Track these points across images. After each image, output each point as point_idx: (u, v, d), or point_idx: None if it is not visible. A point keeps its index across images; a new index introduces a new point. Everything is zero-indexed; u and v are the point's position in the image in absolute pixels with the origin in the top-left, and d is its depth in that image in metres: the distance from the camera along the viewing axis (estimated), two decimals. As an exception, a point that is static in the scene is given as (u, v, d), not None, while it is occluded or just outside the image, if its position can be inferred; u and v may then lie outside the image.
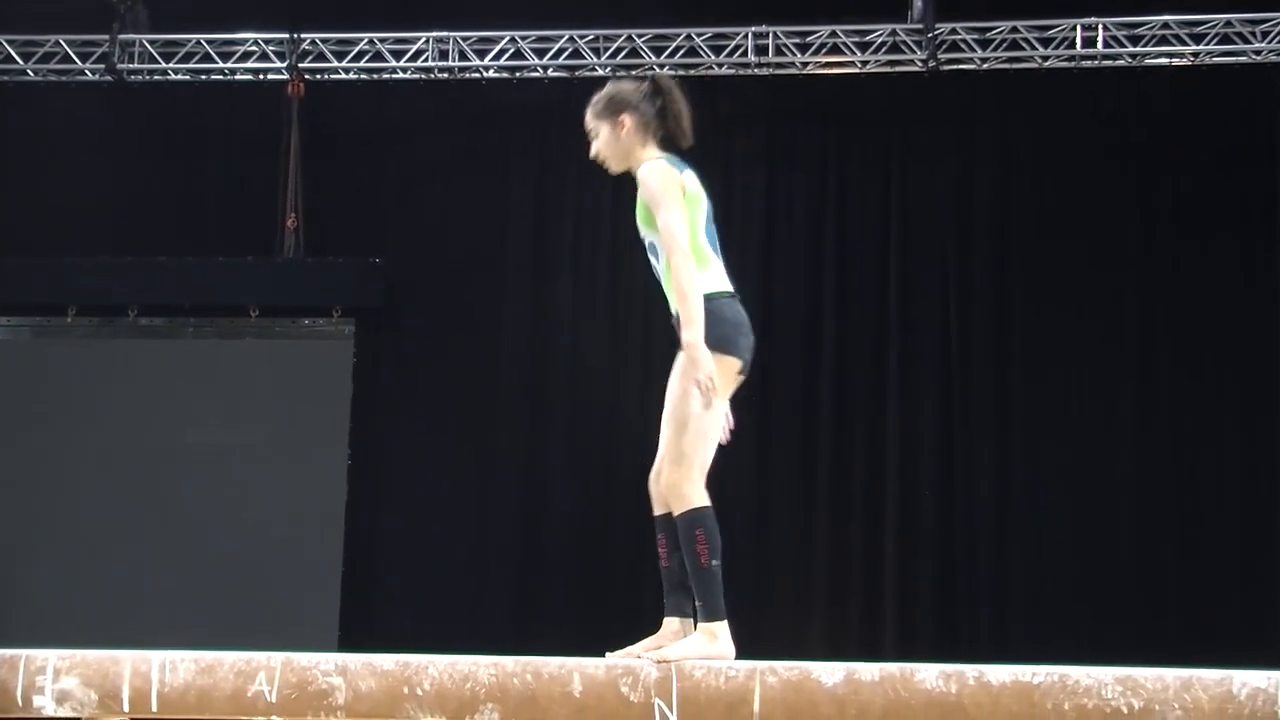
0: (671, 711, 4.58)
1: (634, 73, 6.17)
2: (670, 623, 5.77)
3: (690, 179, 6.10)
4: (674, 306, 5.96)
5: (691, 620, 5.70)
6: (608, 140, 6.17)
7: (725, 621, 5.67)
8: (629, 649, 5.50)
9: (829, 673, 4.55)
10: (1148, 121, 13.96)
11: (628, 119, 6.12)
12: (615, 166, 6.20)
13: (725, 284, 6.04)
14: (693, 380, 5.76)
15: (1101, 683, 4.41)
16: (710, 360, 5.77)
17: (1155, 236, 13.95)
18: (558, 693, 4.62)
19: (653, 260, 6.09)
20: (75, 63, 14.41)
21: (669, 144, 6.22)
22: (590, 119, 6.26)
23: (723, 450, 13.31)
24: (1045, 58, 13.73)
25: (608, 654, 5.29)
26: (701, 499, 5.85)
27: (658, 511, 6.02)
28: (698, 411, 5.85)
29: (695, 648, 5.49)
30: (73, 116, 14.40)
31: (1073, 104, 13.95)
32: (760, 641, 11.40)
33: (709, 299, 5.89)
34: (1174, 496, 13.58)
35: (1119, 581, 13.39)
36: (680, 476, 5.86)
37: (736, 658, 5.30)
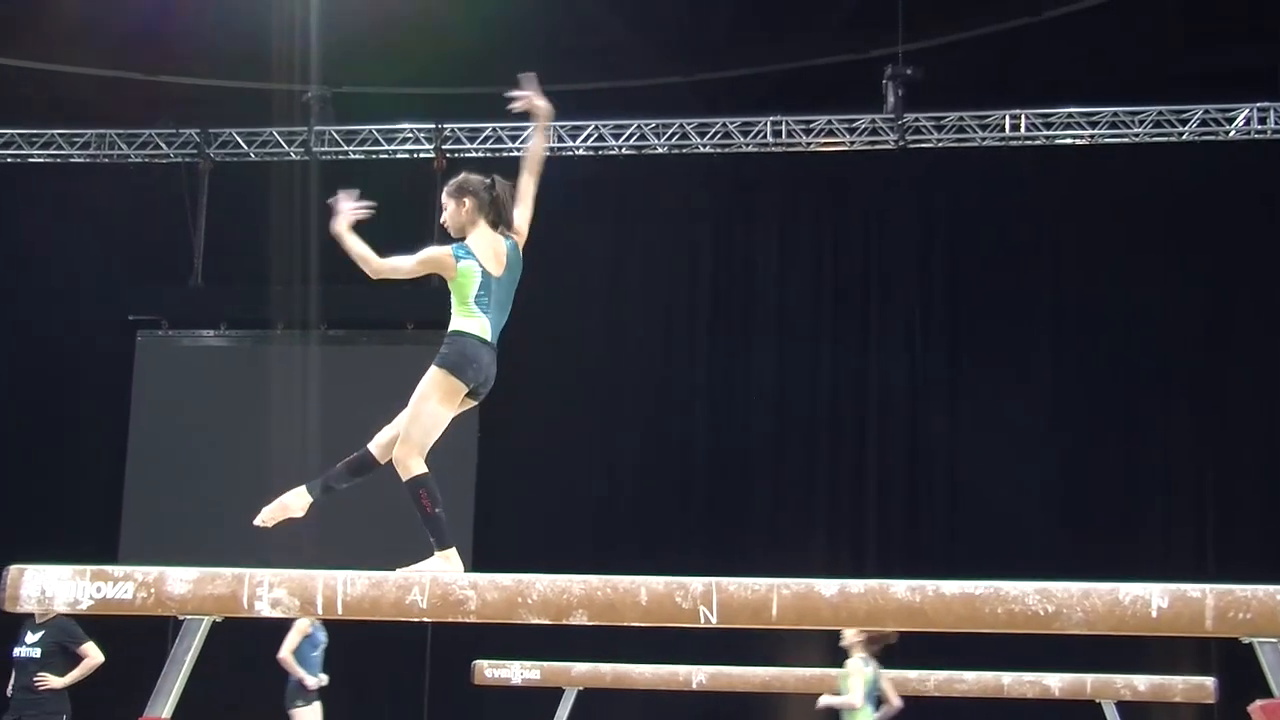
0: (712, 614, 4.56)
1: (479, 174, 6.07)
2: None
3: (465, 265, 5.86)
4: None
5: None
6: (453, 213, 6.01)
7: (453, 548, 5.76)
8: (411, 566, 5.55)
9: (827, 587, 4.53)
10: (1058, 186, 13.93)
11: (468, 201, 6.01)
12: (454, 234, 6.01)
13: (483, 333, 5.88)
14: (421, 386, 5.80)
15: (1025, 593, 4.38)
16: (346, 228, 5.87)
17: (1063, 271, 13.94)
18: (630, 601, 4.61)
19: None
20: (283, 146, 14.50)
21: (496, 225, 6.03)
22: (444, 196, 6.08)
23: (749, 430, 13.40)
24: (983, 139, 13.71)
25: (397, 569, 5.29)
26: (419, 468, 5.80)
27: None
28: (428, 411, 5.81)
29: (435, 565, 5.66)
30: (280, 185, 14.48)
31: (1003, 173, 13.94)
32: (775, 566, 11.45)
33: (460, 334, 5.85)
34: (1086, 463, 13.59)
35: (1041, 522, 13.40)
36: (403, 453, 5.81)
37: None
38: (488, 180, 6.10)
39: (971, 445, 13.71)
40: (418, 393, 5.80)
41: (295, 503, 5.90)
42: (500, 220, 6.05)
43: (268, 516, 5.89)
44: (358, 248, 5.88)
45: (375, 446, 6.02)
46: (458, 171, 12.42)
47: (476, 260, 5.90)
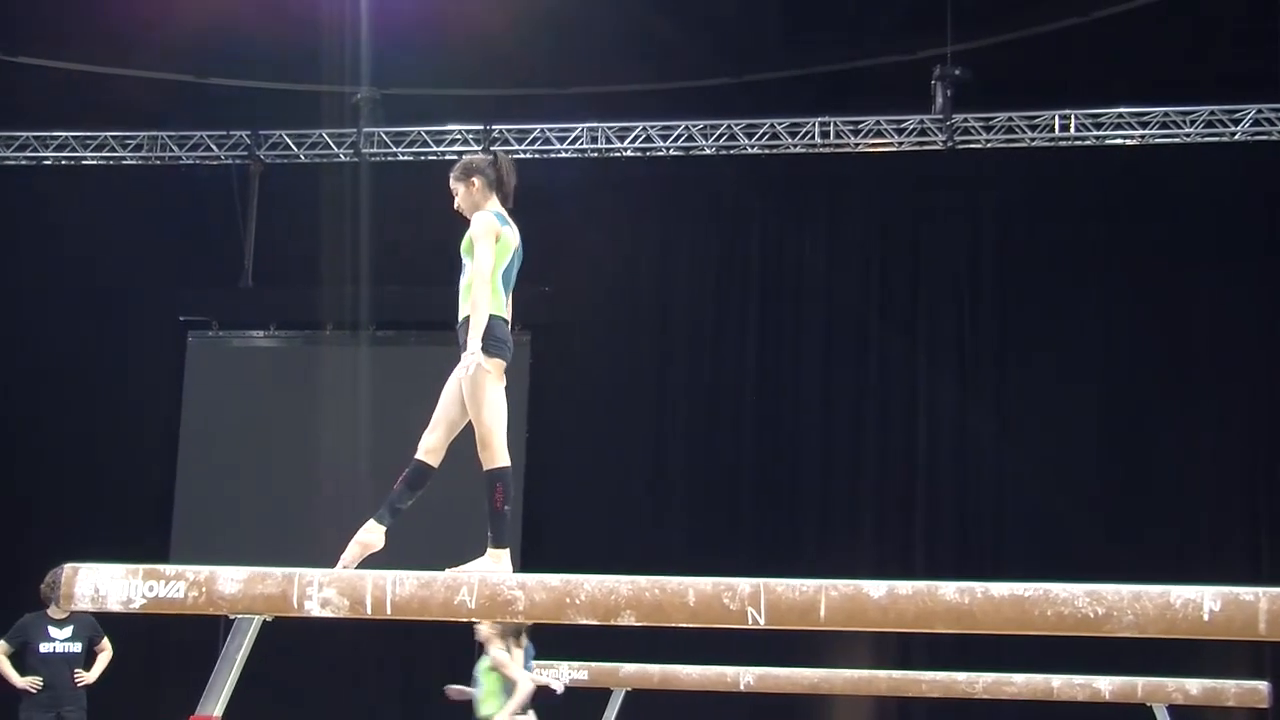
0: (760, 616, 4.56)
1: (482, 152, 6.12)
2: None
3: (506, 231, 5.97)
4: (463, 313, 5.90)
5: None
6: (464, 196, 6.07)
7: (507, 549, 5.83)
8: (461, 566, 5.60)
9: (875, 588, 4.52)
10: (1108, 186, 13.85)
11: (477, 180, 6.06)
12: (470, 215, 6.06)
13: (504, 311, 5.92)
14: (473, 375, 5.79)
15: (1074, 595, 4.36)
16: (479, 355, 5.75)
17: (1113, 272, 13.85)
18: (677, 602, 4.61)
19: (461, 277, 6.00)
20: (333, 149, 14.56)
21: (505, 202, 6.12)
22: (452, 182, 6.11)
23: (797, 431, 13.39)
24: (1033, 139, 13.63)
25: (446, 569, 5.30)
26: (503, 460, 5.86)
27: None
28: (489, 397, 5.83)
29: (484, 565, 5.73)
30: (330, 186, 14.54)
31: (1053, 174, 13.86)
32: (824, 568, 11.42)
33: (493, 318, 5.84)
34: (1137, 464, 13.51)
35: (1091, 524, 13.33)
36: (487, 444, 5.86)
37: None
38: (490, 157, 6.15)
39: (1020, 446, 13.64)
40: (471, 384, 5.81)
41: (371, 538, 5.84)
42: (507, 196, 6.12)
43: (349, 559, 5.81)
44: (481, 312, 5.84)
45: (426, 454, 6.04)
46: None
47: (511, 227, 5.99)
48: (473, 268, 5.90)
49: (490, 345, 5.83)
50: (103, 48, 14.02)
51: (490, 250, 5.90)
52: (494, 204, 6.06)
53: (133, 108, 14.58)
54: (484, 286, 5.85)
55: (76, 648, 9.82)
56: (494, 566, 5.74)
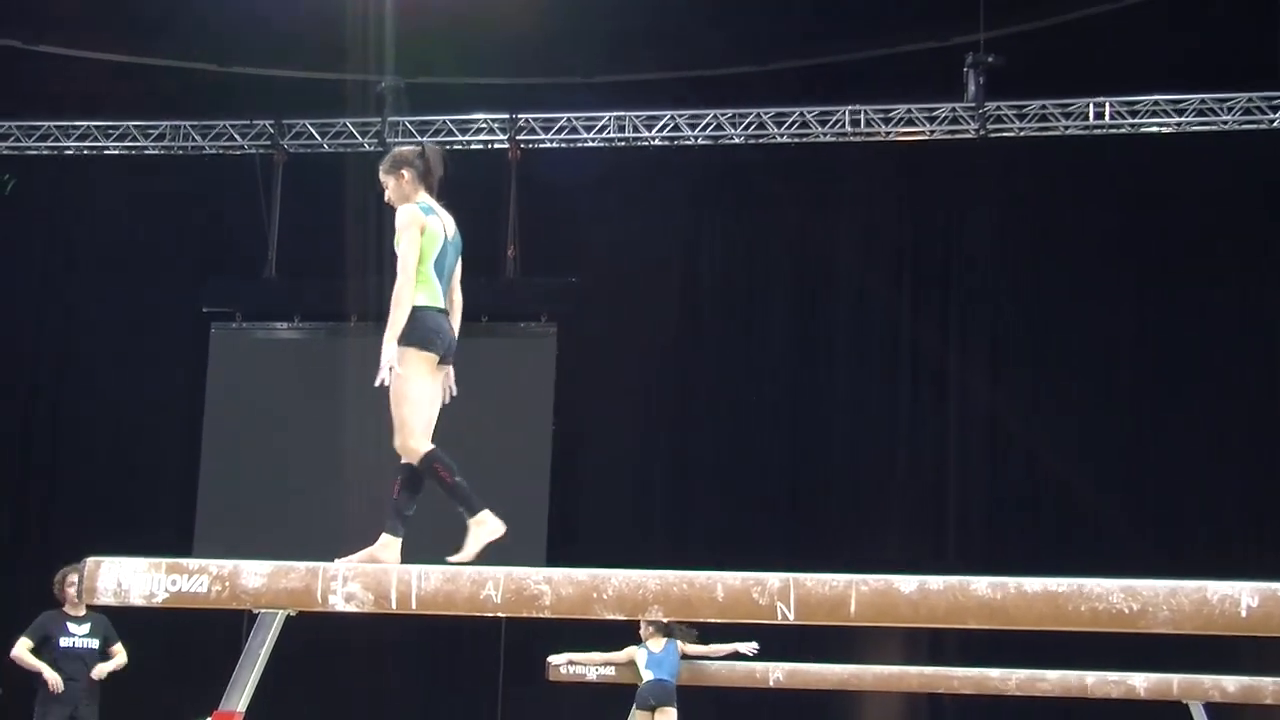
0: (790, 611, 4.55)
1: (409, 145, 6.20)
2: (383, 537, 5.78)
3: (432, 220, 5.96)
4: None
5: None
6: (394, 189, 6.10)
7: (486, 510, 5.83)
8: (352, 555, 5.57)
9: (906, 584, 4.52)
10: (1144, 175, 13.78)
11: (406, 173, 6.08)
12: (399, 206, 6.09)
13: (436, 301, 5.92)
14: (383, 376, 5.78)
15: (1109, 590, 4.35)
16: (391, 353, 5.77)
17: (1148, 262, 13.78)
18: (706, 597, 4.62)
19: None
20: (357, 138, 14.58)
21: (431, 192, 6.11)
22: (382, 175, 6.15)
23: (828, 424, 13.39)
24: (1067, 127, 13.57)
25: (335, 559, 5.30)
26: (425, 446, 5.83)
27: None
28: (410, 391, 5.82)
29: (479, 535, 5.75)
30: (354, 176, 14.55)
31: (1087, 162, 13.81)
32: (854, 563, 11.42)
33: (419, 309, 5.85)
34: (1164, 457, 13.46)
35: (1125, 514, 13.28)
36: (404, 438, 5.84)
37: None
38: (418, 149, 6.19)
39: (1054, 440, 13.60)
40: (394, 377, 5.82)
41: (388, 555, 5.74)
42: (432, 187, 6.14)
43: None
44: (401, 306, 5.87)
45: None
46: (532, 163, 12.52)
47: (439, 216, 6.01)
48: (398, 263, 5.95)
49: (417, 337, 5.84)
50: (125, 36, 14.06)
51: (414, 243, 5.92)
52: (423, 196, 6.08)
53: (155, 96, 14.61)
54: (405, 280, 5.87)
55: (94, 644, 9.88)
56: (483, 532, 5.76)
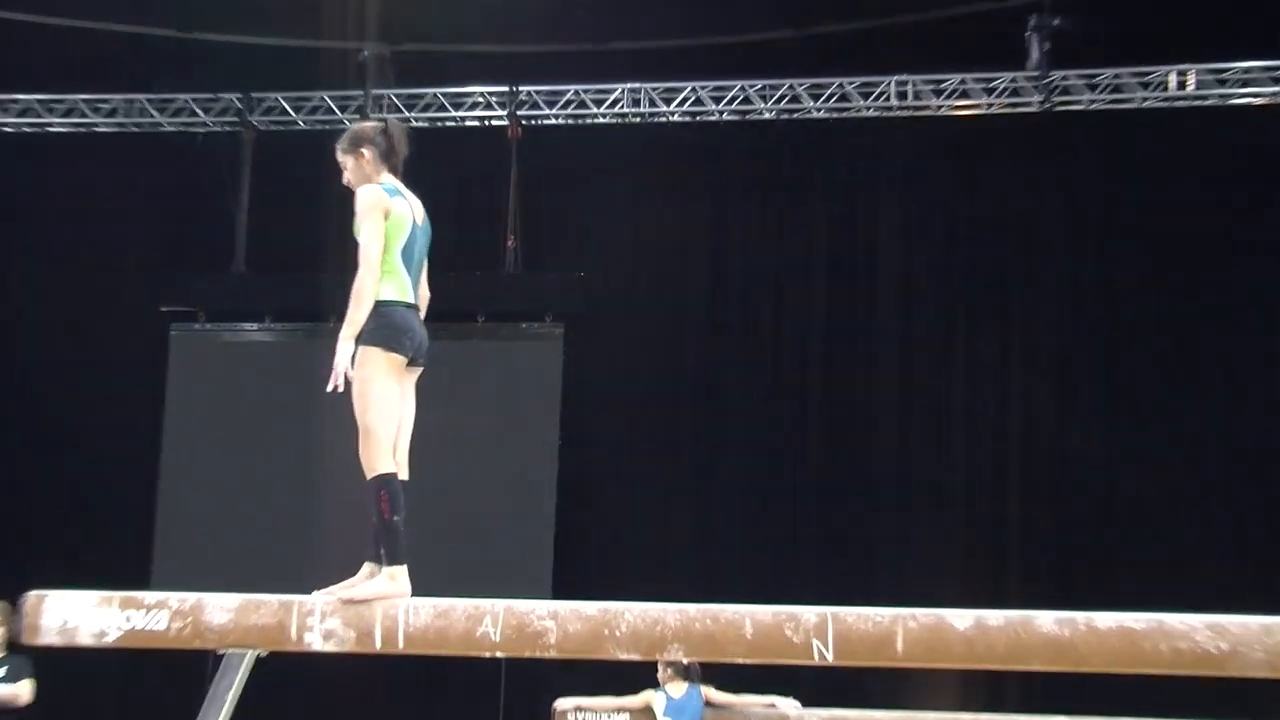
0: (828, 650, 4.56)
1: (372, 119, 6.27)
2: (365, 567, 5.77)
3: (398, 203, 6.01)
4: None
5: (378, 565, 5.71)
6: (353, 169, 6.16)
7: (404, 565, 5.63)
8: (330, 588, 5.50)
9: (960, 618, 4.53)
10: (1233, 152, 13.73)
11: (367, 151, 6.13)
12: (359, 188, 6.12)
13: (405, 295, 5.95)
14: (356, 371, 5.77)
15: (1194, 628, 4.35)
16: (346, 354, 5.76)
17: (1238, 251, 13.71)
18: (733, 634, 4.63)
19: None
20: (336, 114, 14.59)
21: (395, 173, 6.17)
22: (339, 154, 6.21)
23: (871, 431, 13.36)
24: (1144, 99, 13.55)
25: (314, 592, 5.30)
26: (385, 466, 5.79)
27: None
28: (374, 395, 5.81)
29: (378, 587, 5.52)
30: (334, 157, 14.53)
31: (1168, 139, 13.76)
32: (901, 594, 11.38)
33: (385, 304, 5.87)
34: (1260, 476, 13.40)
35: (1210, 541, 13.23)
36: (364, 447, 5.83)
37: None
38: (380, 124, 6.22)
39: (1131, 455, 13.55)
40: (356, 380, 5.83)
41: (396, 589, 5.61)
42: (397, 167, 6.20)
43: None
44: (362, 301, 5.88)
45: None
46: (535, 142, 12.58)
47: (405, 199, 6.03)
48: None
49: (380, 337, 5.85)
50: (72, -1, 14.10)
51: (377, 229, 5.94)
52: (386, 177, 6.10)
53: (106, 66, 14.61)
54: (368, 270, 5.88)
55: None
56: (392, 587, 5.59)
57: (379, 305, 5.89)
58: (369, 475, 5.82)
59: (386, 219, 5.97)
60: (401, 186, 6.13)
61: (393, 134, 6.21)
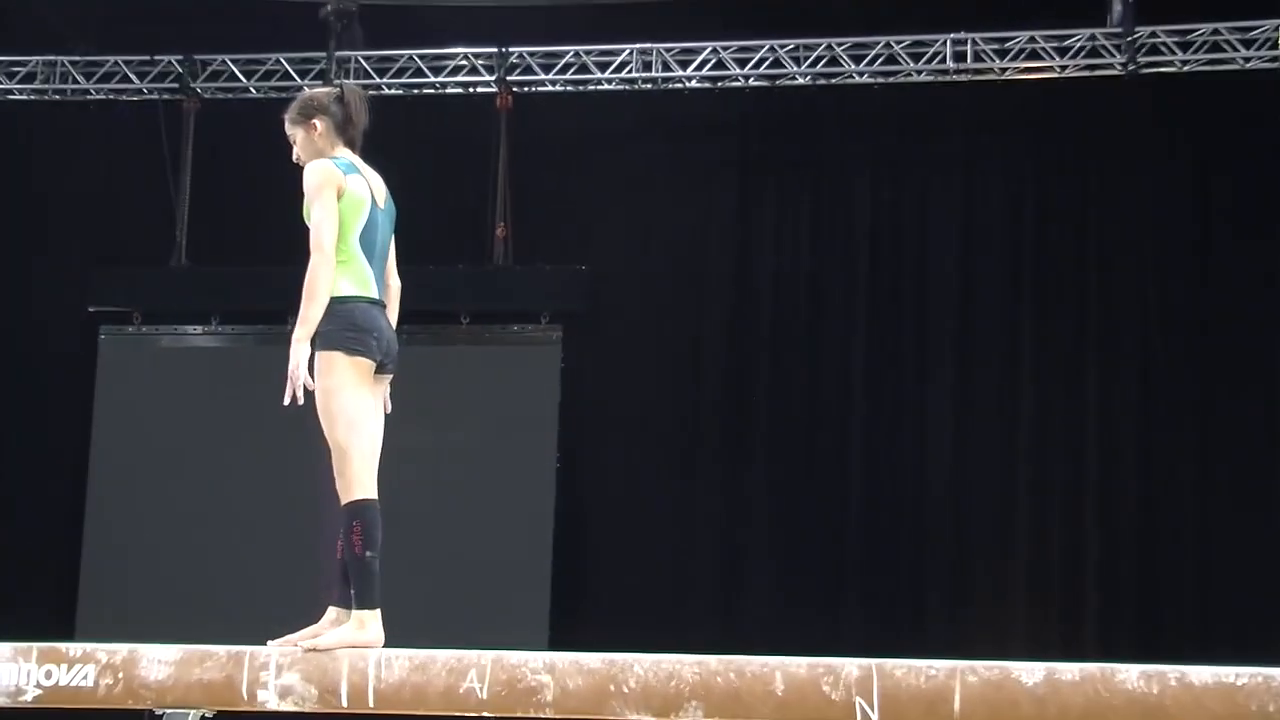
0: (873, 710, 4.56)
1: (324, 85, 6.35)
2: (330, 612, 5.82)
3: (354, 181, 6.07)
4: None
5: (348, 610, 5.74)
6: (303, 142, 6.25)
7: (377, 610, 5.70)
8: (288, 636, 5.56)
9: (1029, 672, 4.53)
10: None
11: (319, 122, 6.20)
12: (309, 164, 6.19)
13: (367, 290, 6.01)
14: (319, 381, 5.83)
15: (1305, 684, 4.34)
16: (302, 358, 5.81)
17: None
18: (760, 690, 4.64)
19: None
20: (295, 80, 14.60)
21: (353, 146, 6.26)
22: (288, 125, 6.32)
23: (921, 457, 13.33)
24: (1247, 58, 13.50)
25: (269, 642, 5.34)
26: (363, 491, 5.85)
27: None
28: (342, 407, 5.86)
29: (345, 635, 5.58)
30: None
31: (1275, 105, 13.73)
32: (957, 642, 11.37)
33: (343, 301, 5.92)
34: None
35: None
36: (339, 467, 5.89)
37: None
38: (335, 91, 6.26)
39: (1225, 480, 13.53)
40: (320, 391, 5.84)
41: (366, 637, 5.66)
42: (355, 140, 6.29)
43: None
44: (316, 294, 5.90)
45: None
46: (528, 112, 12.58)
47: (363, 176, 6.04)
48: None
49: (340, 339, 5.88)
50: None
51: (330, 209, 5.96)
52: (341, 151, 6.13)
53: (25, 24, 14.62)
54: (321, 260, 5.92)
55: None
56: (360, 636, 5.64)
57: (336, 302, 5.89)
58: (344, 498, 5.85)
59: (340, 199, 5.97)
60: (359, 162, 6.14)
61: (349, 101, 6.23)
